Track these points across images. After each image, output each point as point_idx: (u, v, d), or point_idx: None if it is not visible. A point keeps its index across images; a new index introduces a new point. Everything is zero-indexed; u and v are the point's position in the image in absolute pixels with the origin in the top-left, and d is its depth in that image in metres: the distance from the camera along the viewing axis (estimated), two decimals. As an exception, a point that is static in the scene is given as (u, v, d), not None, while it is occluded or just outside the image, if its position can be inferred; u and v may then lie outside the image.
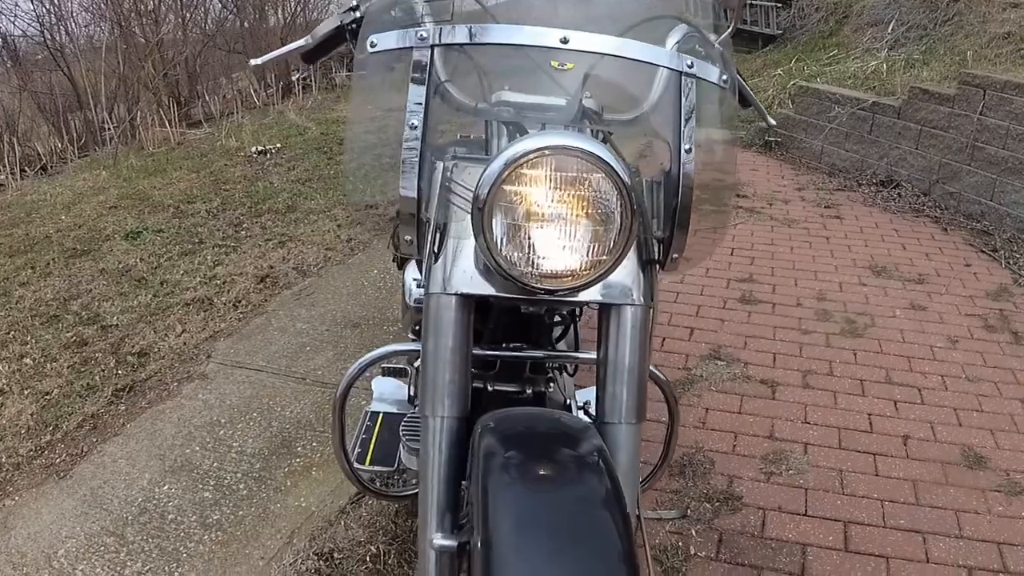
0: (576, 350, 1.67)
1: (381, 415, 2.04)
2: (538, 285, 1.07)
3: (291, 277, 3.54)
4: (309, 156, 5.48)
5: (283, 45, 1.71)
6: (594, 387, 1.25)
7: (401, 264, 2.59)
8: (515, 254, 1.05)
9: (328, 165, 5.27)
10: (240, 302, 3.29)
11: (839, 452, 2.39)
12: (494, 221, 1.03)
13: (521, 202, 1.03)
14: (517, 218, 1.04)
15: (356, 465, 1.70)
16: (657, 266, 1.23)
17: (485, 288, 1.16)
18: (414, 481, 1.88)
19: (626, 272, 1.15)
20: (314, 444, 2.38)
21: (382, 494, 1.83)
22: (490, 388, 1.44)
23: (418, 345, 1.65)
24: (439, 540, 1.17)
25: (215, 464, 2.29)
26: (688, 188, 1.15)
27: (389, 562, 1.94)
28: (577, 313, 1.66)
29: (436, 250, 1.18)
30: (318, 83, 8.20)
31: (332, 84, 8.59)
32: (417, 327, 1.79)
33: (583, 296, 1.17)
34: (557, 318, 1.72)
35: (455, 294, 1.18)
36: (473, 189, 1.04)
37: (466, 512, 1.21)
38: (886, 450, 2.41)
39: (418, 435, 1.69)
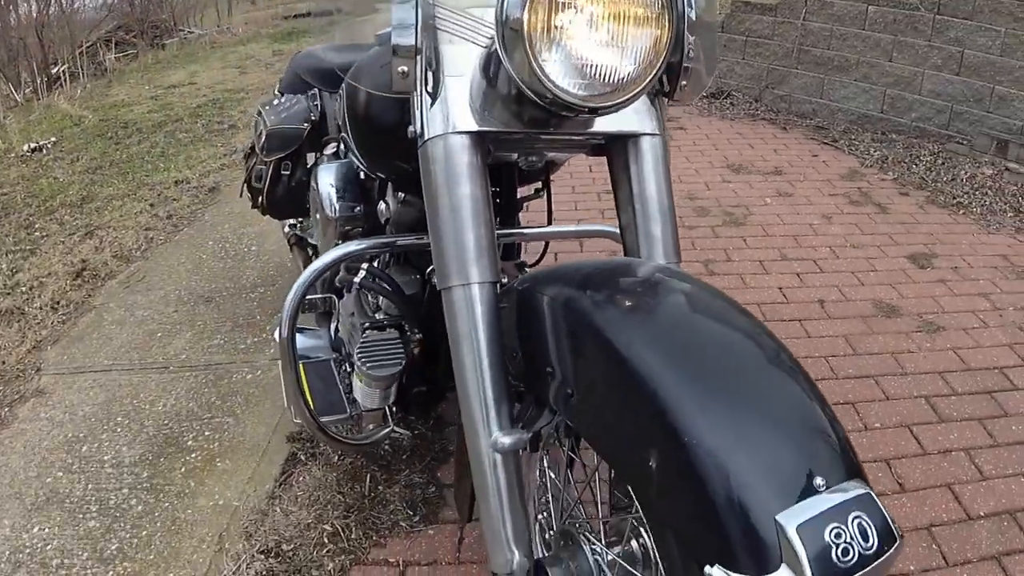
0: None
1: (302, 365, 1.69)
2: (581, 102, 0.88)
3: (112, 266, 2.95)
4: (92, 144, 4.68)
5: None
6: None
7: (265, 211, 2.21)
8: (555, 66, 0.86)
9: (117, 150, 4.54)
10: (58, 304, 2.67)
11: (768, 323, 2.38)
12: (530, 29, 0.83)
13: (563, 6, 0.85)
14: (559, 25, 0.85)
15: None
16: (665, 99, 1.08)
17: (499, 122, 0.97)
18: (371, 426, 1.57)
19: (640, 102, 1.02)
20: (207, 433, 1.96)
21: (357, 444, 1.52)
22: None
23: (384, 237, 1.36)
24: (505, 438, 0.93)
25: (90, 487, 1.80)
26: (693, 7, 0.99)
27: (353, 536, 1.61)
28: (550, 183, 1.46)
29: (431, 89, 0.97)
30: (86, 70, 7.11)
31: (103, 70, 7.51)
32: (338, 242, 1.49)
33: (606, 126, 1.03)
34: (528, 192, 1.50)
35: (467, 132, 0.95)
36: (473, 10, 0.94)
37: (531, 402, 0.97)
38: (808, 315, 2.45)
39: (377, 357, 1.40)
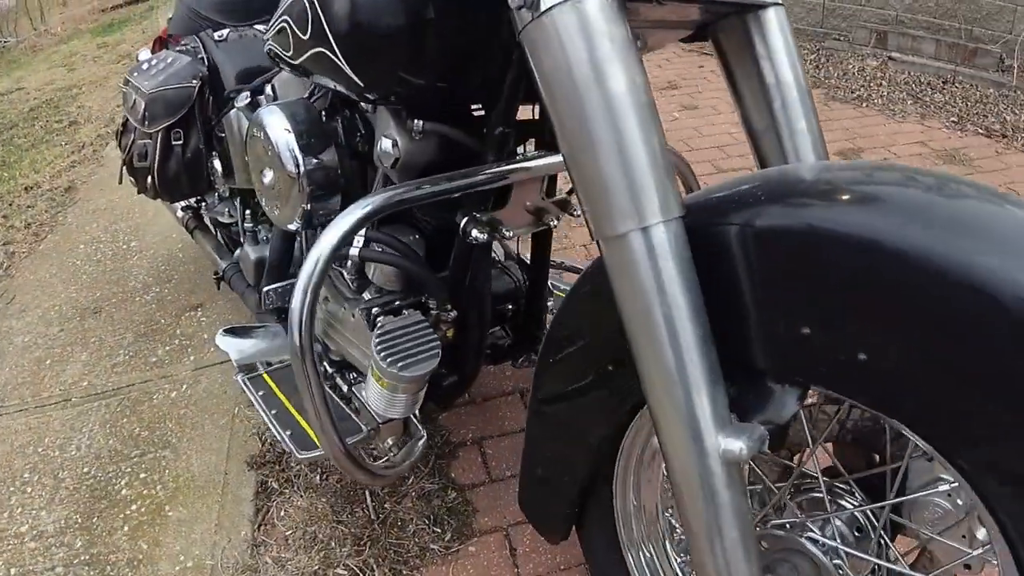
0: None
1: (264, 375, 1.33)
2: None
3: (-40, 289, 2.34)
4: None
5: None
6: None
7: (156, 194, 1.74)
8: None
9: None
10: None
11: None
12: None
13: None
14: None
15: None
16: None
17: None
18: (390, 440, 1.23)
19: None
20: (142, 475, 1.54)
21: (397, 471, 1.17)
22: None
23: (424, 185, 0.99)
24: (736, 440, 0.65)
25: (13, 572, 1.35)
26: None
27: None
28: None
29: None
30: None
31: None
32: (306, 207, 1.13)
33: None
34: None
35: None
36: None
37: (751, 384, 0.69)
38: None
39: (407, 351, 1.06)
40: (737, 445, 0.65)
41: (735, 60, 0.88)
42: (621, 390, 0.86)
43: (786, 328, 0.63)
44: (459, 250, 1.13)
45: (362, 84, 0.98)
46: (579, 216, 1.20)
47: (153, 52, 1.82)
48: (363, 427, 1.17)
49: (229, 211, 1.79)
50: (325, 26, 0.95)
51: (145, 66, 1.67)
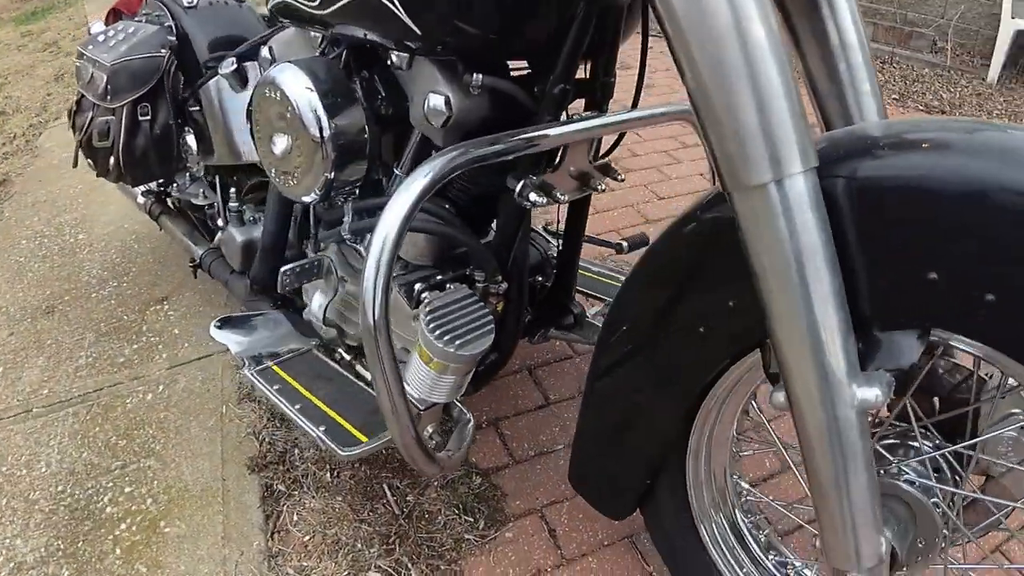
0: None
1: (274, 368, 1.20)
2: None
3: None
4: None
5: None
6: None
7: (119, 176, 1.55)
8: None
9: None
10: None
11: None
12: None
13: None
14: None
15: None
16: None
17: None
18: (429, 429, 1.11)
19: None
20: (128, 489, 1.37)
21: (455, 459, 1.07)
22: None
23: (498, 141, 0.88)
24: (868, 389, 0.66)
25: (-26, 615, 1.17)
26: None
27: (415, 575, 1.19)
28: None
29: None
30: None
31: None
32: (329, 176, 1.00)
33: None
34: None
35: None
36: None
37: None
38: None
39: (463, 328, 0.95)
40: (872, 393, 0.65)
41: (799, 21, 0.86)
42: (701, 361, 0.84)
43: (912, 275, 0.64)
44: (507, 216, 1.02)
45: (419, 32, 0.86)
46: (622, 181, 1.13)
47: (107, 24, 1.62)
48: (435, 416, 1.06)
49: (204, 192, 1.62)
50: None
51: (102, 38, 1.49)
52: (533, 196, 0.96)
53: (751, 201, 0.63)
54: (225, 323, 1.30)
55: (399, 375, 0.83)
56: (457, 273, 1.07)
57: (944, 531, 0.81)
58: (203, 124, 1.47)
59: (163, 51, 1.47)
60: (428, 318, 0.95)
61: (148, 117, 1.48)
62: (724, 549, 1.02)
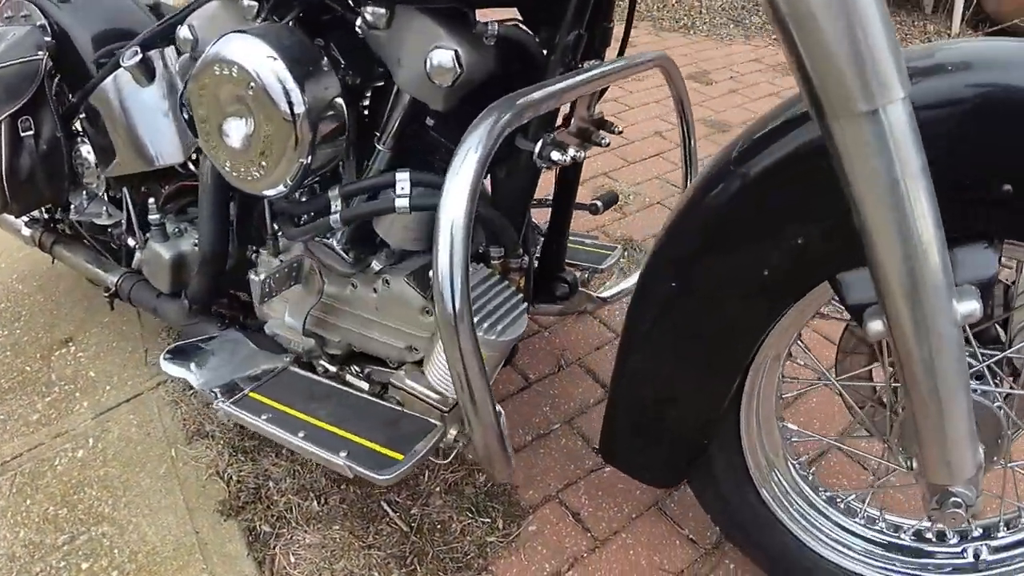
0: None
1: (248, 395, 1.05)
2: None
3: None
4: None
5: None
6: None
7: (4, 205, 1.29)
8: None
9: None
10: None
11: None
12: None
13: None
14: None
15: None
16: None
17: None
18: (453, 432, 0.99)
19: None
20: (84, 565, 1.14)
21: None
22: None
23: (551, 85, 0.80)
24: (966, 302, 0.66)
25: None
26: None
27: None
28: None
29: None
30: None
31: None
32: (305, 162, 0.86)
33: None
34: None
35: None
36: None
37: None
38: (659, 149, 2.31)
39: (499, 313, 0.84)
40: (971, 306, 0.66)
41: None
42: (762, 309, 0.81)
43: (988, 189, 0.67)
44: (519, 182, 0.91)
45: None
46: (620, 133, 1.05)
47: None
48: (433, 421, 0.93)
49: (107, 210, 1.38)
50: None
51: (-40, 44, 1.22)
52: (555, 155, 0.86)
53: (856, 128, 0.61)
54: (176, 354, 1.11)
55: (484, 370, 0.71)
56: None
57: (1007, 432, 0.82)
58: (100, 130, 1.24)
59: (39, 53, 1.23)
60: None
61: (31, 132, 1.24)
62: (780, 496, 0.98)
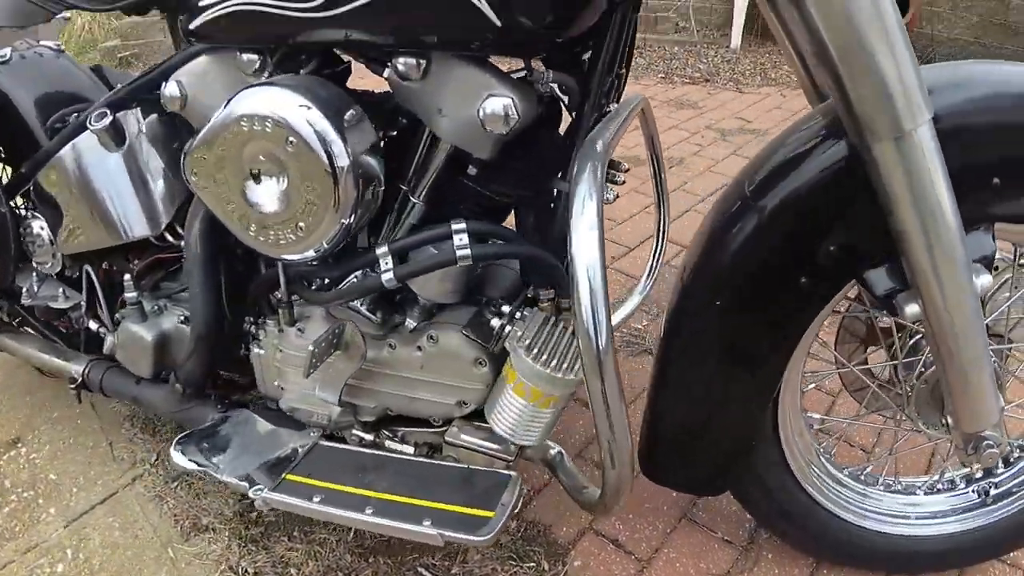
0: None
1: (286, 479, 0.97)
2: None
3: None
4: None
5: None
6: None
7: None
8: None
9: None
10: None
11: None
12: None
13: None
14: None
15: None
16: None
17: None
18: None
19: None
20: None
21: None
22: None
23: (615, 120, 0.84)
24: (982, 279, 0.79)
25: None
26: None
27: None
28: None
29: None
30: None
31: None
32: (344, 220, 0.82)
33: None
34: None
35: None
36: None
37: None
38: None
39: (554, 352, 0.85)
40: (986, 279, 0.78)
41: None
42: (801, 311, 0.87)
43: (983, 184, 0.79)
44: (562, 223, 0.89)
45: (499, 24, 0.73)
46: (627, 171, 1.06)
47: None
48: (507, 472, 0.88)
49: (63, 292, 1.23)
50: None
51: None
52: (610, 192, 0.87)
53: (897, 147, 0.71)
54: (186, 442, 0.99)
55: (625, 407, 0.69)
56: (519, 298, 0.92)
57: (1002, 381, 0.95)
58: (58, 203, 1.11)
59: None
60: (533, 352, 0.80)
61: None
62: (816, 481, 1.05)
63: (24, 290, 1.23)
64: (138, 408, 1.32)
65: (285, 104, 0.77)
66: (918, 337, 0.94)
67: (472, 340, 0.89)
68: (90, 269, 1.17)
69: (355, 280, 0.90)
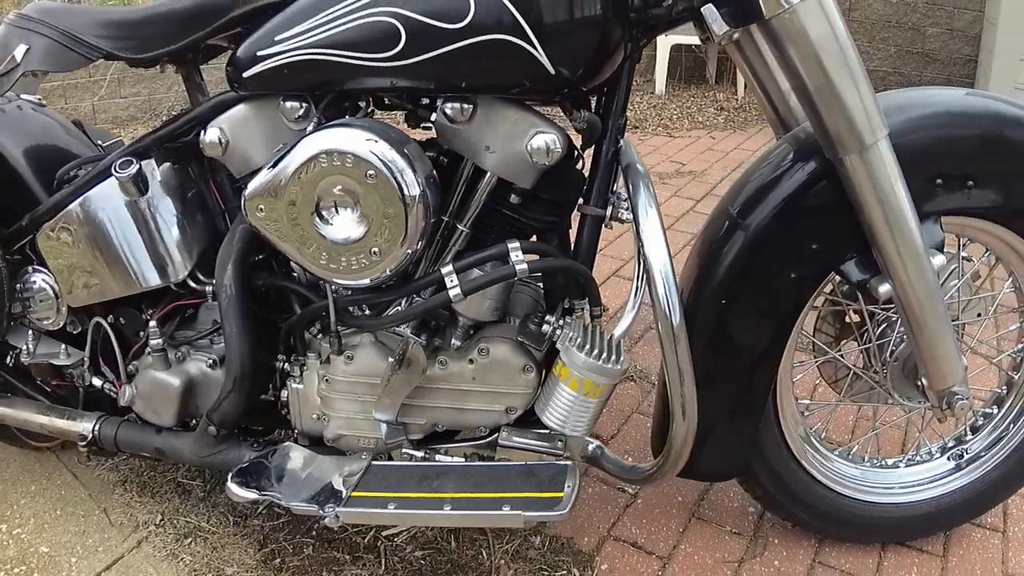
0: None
1: (353, 497, 1.00)
2: None
3: None
4: None
5: None
6: None
7: None
8: None
9: None
10: None
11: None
12: None
13: None
14: None
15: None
16: None
17: None
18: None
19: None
20: None
21: None
22: None
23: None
24: (937, 260, 0.98)
25: None
26: None
27: None
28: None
29: None
30: None
31: None
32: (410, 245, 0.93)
33: None
34: None
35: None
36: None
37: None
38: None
39: (600, 346, 0.97)
40: (940, 260, 0.97)
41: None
42: (794, 302, 1.02)
43: (930, 184, 0.97)
44: (590, 238, 1.01)
45: (553, 71, 0.86)
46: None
47: None
48: (563, 462, 0.96)
49: (65, 349, 1.19)
50: (514, 11, 0.84)
51: None
52: (623, 215, 1.01)
53: (863, 159, 0.88)
54: (243, 476, 0.99)
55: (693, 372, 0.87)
56: (558, 309, 1.01)
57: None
58: (68, 255, 1.10)
59: None
60: (585, 347, 0.92)
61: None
62: (814, 461, 1.18)
63: (25, 348, 1.18)
64: (159, 460, 1.27)
65: (362, 140, 0.85)
66: (885, 326, 1.11)
67: (523, 347, 0.98)
68: (102, 321, 1.15)
69: (419, 301, 0.97)
